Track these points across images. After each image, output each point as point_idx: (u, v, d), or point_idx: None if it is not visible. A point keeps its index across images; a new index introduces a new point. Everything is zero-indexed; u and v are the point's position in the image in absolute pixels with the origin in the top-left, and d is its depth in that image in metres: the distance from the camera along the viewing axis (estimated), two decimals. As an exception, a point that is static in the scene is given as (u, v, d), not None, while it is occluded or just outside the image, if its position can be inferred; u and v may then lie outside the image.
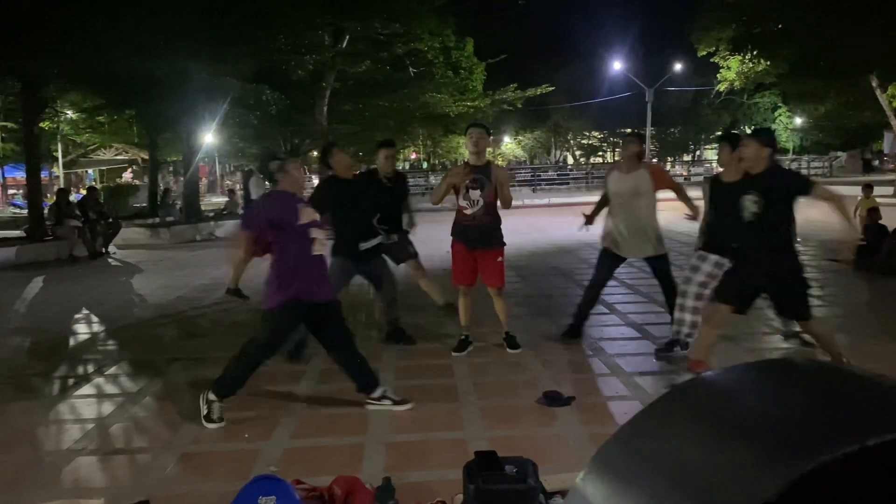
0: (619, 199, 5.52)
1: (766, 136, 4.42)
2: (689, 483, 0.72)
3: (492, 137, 5.38)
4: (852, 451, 0.64)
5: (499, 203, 5.30)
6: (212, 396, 4.10)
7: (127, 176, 42.01)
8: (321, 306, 4.21)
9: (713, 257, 4.88)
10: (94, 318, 7.80)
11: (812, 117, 40.83)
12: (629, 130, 57.70)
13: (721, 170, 5.23)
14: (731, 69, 29.53)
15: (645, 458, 0.81)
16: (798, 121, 45.50)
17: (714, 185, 5.03)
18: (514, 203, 5.42)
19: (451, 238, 5.46)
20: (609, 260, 5.72)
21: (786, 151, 48.64)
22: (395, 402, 4.29)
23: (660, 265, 5.60)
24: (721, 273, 4.70)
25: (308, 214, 4.17)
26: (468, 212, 5.25)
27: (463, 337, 5.53)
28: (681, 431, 0.82)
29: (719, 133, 52.96)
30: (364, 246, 5.40)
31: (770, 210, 4.23)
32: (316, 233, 4.18)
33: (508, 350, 5.46)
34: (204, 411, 4.09)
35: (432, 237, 7.01)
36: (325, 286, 4.27)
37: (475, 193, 5.20)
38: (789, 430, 0.73)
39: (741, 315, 4.61)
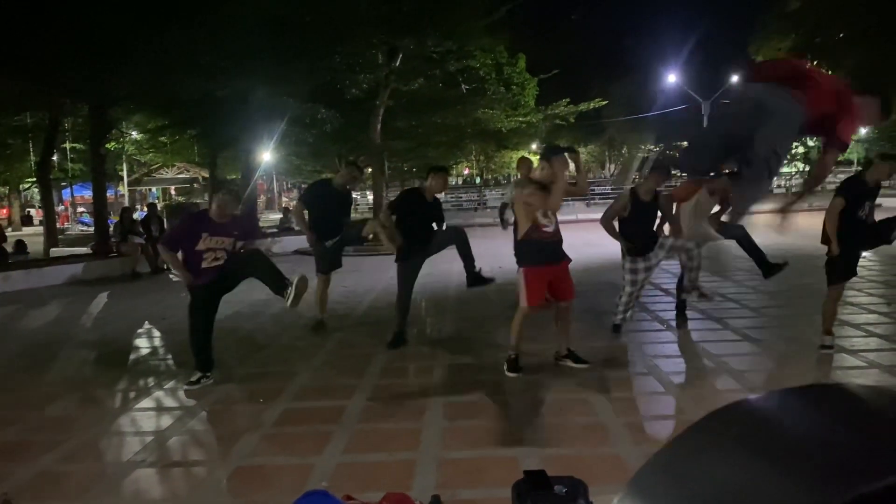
0: None
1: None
2: (728, 510, 0.71)
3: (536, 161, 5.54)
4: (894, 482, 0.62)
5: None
6: None
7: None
8: None
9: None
10: (156, 333, 8.04)
11: (878, 127, 39.42)
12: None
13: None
14: (792, 80, 28.82)
15: (684, 481, 0.81)
16: (863, 131, 43.99)
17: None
18: (568, 218, 5.46)
19: (524, 265, 5.34)
20: None
21: (850, 163, 47.06)
22: None
23: None
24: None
25: None
26: (549, 228, 5.28)
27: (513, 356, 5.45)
28: (722, 455, 0.81)
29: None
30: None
31: None
32: None
33: (573, 365, 5.40)
34: None
35: (487, 252, 7.00)
36: None
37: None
38: (834, 457, 0.71)
39: None
